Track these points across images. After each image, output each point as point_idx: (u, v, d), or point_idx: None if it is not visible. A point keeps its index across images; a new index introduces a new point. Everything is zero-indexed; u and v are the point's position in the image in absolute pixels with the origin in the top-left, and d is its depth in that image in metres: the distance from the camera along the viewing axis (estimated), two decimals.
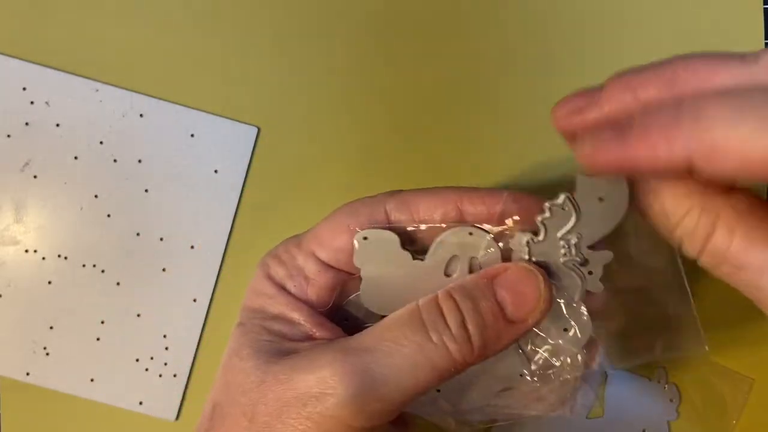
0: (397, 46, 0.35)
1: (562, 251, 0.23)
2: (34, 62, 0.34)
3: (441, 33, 0.35)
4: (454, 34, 0.35)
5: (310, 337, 0.23)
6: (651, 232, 0.22)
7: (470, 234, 0.23)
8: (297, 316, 0.24)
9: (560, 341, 0.24)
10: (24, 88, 0.34)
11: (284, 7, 0.35)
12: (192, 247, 0.34)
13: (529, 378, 0.24)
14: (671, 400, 0.33)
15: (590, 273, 0.23)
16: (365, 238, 0.23)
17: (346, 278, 0.25)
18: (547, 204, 0.22)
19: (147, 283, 0.34)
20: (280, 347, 0.23)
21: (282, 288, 0.24)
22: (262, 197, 0.34)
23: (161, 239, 0.34)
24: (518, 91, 0.34)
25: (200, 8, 0.34)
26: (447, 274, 0.24)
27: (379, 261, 0.24)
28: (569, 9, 0.35)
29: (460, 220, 0.24)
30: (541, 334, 0.24)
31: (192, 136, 0.34)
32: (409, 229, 0.24)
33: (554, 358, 0.24)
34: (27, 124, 0.34)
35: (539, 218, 0.22)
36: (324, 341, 0.23)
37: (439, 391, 0.25)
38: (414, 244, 0.24)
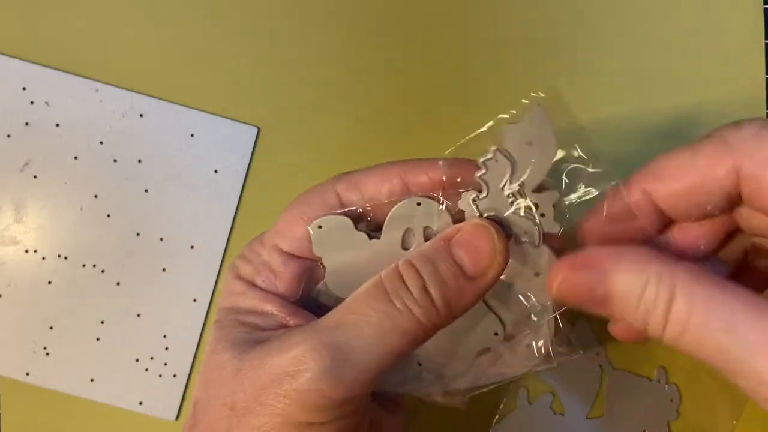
0: (398, 47, 0.35)
1: (509, 201, 0.23)
2: (34, 62, 0.34)
3: (441, 34, 0.35)
4: (455, 32, 0.35)
5: (284, 326, 0.24)
6: None
7: (418, 204, 0.24)
8: (269, 307, 0.24)
9: (530, 287, 0.24)
10: (24, 88, 0.34)
11: (284, 8, 0.35)
12: (192, 247, 0.34)
13: (503, 334, 0.25)
14: (671, 400, 0.33)
15: (542, 215, 0.23)
16: (320, 227, 0.24)
17: (311, 265, 0.25)
18: (480, 160, 0.23)
19: (147, 283, 0.34)
20: (255, 337, 0.23)
21: (252, 284, 0.25)
22: (262, 197, 0.34)
23: (161, 239, 0.34)
24: (522, 83, 0.34)
25: (200, 8, 0.34)
26: (405, 248, 0.24)
27: (337, 246, 0.24)
28: (570, 7, 0.35)
29: (407, 194, 0.24)
30: (513, 292, 0.24)
31: (192, 136, 0.34)
32: (359, 210, 0.24)
33: (526, 303, 0.25)
34: (27, 124, 0.34)
35: (477, 175, 0.23)
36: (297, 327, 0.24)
37: (420, 365, 0.25)
38: (369, 224, 0.25)
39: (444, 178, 0.24)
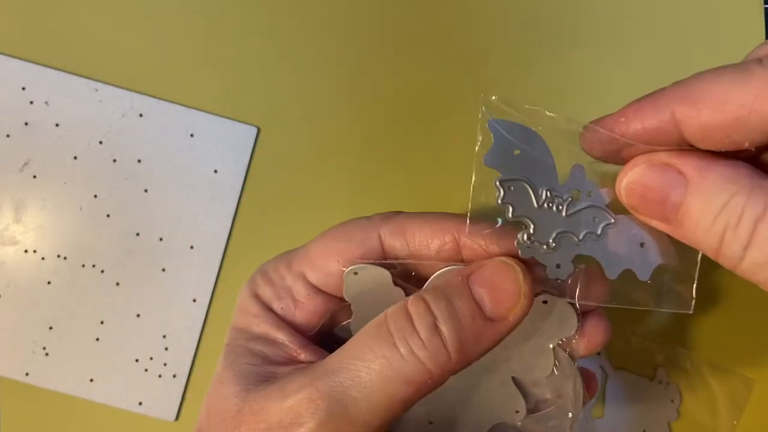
0: (398, 46, 0.35)
1: (553, 206, 0.21)
2: (33, 62, 0.34)
3: (441, 31, 0.35)
4: (454, 32, 0.35)
5: (293, 360, 0.23)
6: None
7: None
8: (281, 336, 0.23)
9: (555, 374, 0.23)
10: (23, 88, 0.34)
11: (284, 8, 0.35)
12: (192, 247, 0.34)
13: (524, 413, 0.23)
14: (671, 401, 0.33)
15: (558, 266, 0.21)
16: (355, 273, 0.22)
17: (336, 305, 0.24)
18: (499, 202, 0.20)
19: (146, 283, 0.34)
20: (261, 371, 0.22)
21: (268, 308, 0.23)
22: (262, 197, 0.34)
23: (161, 239, 0.34)
24: (522, 82, 0.34)
25: (200, 8, 0.34)
26: None
27: (370, 298, 0.22)
28: (569, 6, 0.35)
29: (458, 254, 0.22)
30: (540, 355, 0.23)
31: (192, 136, 0.34)
32: (401, 262, 0.22)
33: (550, 395, 0.23)
34: (26, 123, 0.34)
35: (508, 216, 0.20)
36: (306, 364, 0.22)
37: (431, 423, 0.24)
38: (407, 278, 0.23)
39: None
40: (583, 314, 0.23)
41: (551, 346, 0.22)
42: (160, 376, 0.34)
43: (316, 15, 0.35)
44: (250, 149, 0.34)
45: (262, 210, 0.34)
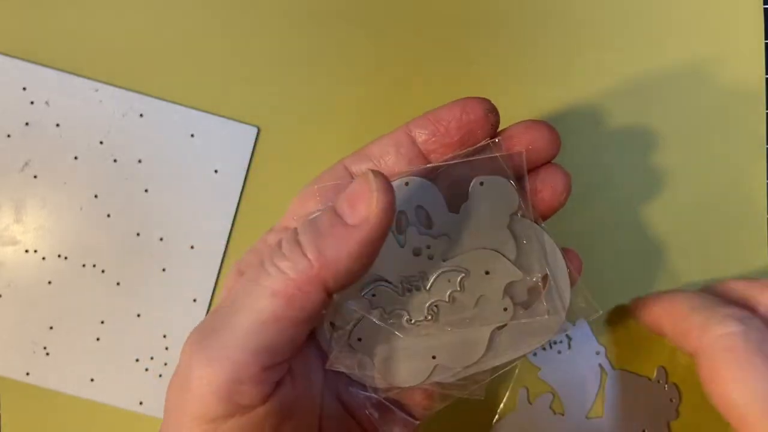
0: (398, 46, 0.35)
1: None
2: (34, 62, 0.34)
3: (444, 34, 0.35)
4: (457, 35, 0.35)
5: None
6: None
7: (406, 184, 0.24)
8: None
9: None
10: (24, 88, 0.34)
11: (284, 8, 0.35)
12: (192, 247, 0.34)
13: (512, 309, 0.24)
14: (671, 400, 0.33)
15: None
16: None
17: None
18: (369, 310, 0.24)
19: (147, 283, 0.34)
20: None
21: None
22: (262, 197, 0.34)
23: (161, 239, 0.34)
24: (517, 92, 0.34)
25: (201, 8, 0.34)
26: (399, 233, 0.24)
27: None
28: (568, 5, 0.35)
29: (419, 153, 0.24)
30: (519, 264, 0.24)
31: (192, 136, 0.34)
32: None
33: (537, 278, 0.24)
34: (27, 124, 0.34)
35: (383, 317, 0.24)
36: None
37: (434, 357, 0.24)
38: None
39: (449, 127, 0.23)
40: (533, 171, 0.25)
41: (504, 223, 0.24)
42: (160, 375, 0.34)
43: (317, 15, 0.35)
44: (251, 149, 0.34)
45: (262, 210, 0.34)
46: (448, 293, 0.24)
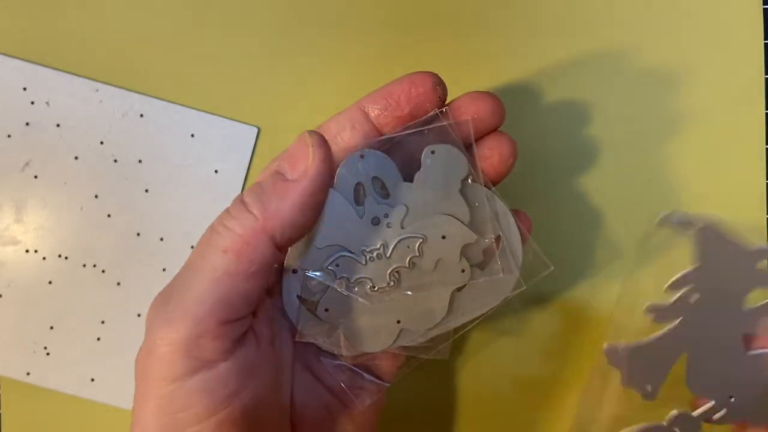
0: (400, 47, 0.35)
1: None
2: (34, 62, 0.34)
3: (445, 33, 0.34)
4: (458, 35, 0.35)
5: None
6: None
7: (362, 157, 0.24)
8: None
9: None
10: (24, 88, 0.34)
11: (284, 7, 0.35)
12: (192, 247, 0.34)
13: (469, 270, 0.25)
14: None
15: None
16: None
17: None
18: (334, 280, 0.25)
19: (147, 283, 0.34)
20: None
21: None
22: None
23: (161, 239, 0.34)
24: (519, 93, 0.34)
25: (201, 8, 0.34)
26: (359, 205, 0.25)
27: None
28: (569, 5, 0.35)
29: (372, 127, 0.25)
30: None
31: (192, 136, 0.34)
32: None
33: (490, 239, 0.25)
34: (27, 124, 0.34)
35: (345, 286, 0.25)
36: None
37: (399, 321, 0.25)
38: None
39: (400, 99, 0.24)
40: (481, 139, 0.26)
41: (456, 189, 0.25)
42: None
43: (317, 15, 0.35)
44: (251, 149, 0.34)
45: None
46: (408, 259, 0.25)
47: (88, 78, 0.34)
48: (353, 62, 0.34)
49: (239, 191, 0.34)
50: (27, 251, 0.34)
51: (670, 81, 0.34)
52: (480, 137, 0.26)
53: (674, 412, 0.27)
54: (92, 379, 0.34)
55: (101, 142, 0.34)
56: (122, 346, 0.34)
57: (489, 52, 0.34)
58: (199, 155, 0.34)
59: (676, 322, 0.27)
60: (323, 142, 0.23)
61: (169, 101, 0.34)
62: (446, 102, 0.26)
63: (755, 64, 0.34)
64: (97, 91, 0.34)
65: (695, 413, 0.27)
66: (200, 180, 0.34)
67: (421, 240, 0.25)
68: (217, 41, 0.34)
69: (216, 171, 0.34)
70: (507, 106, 0.26)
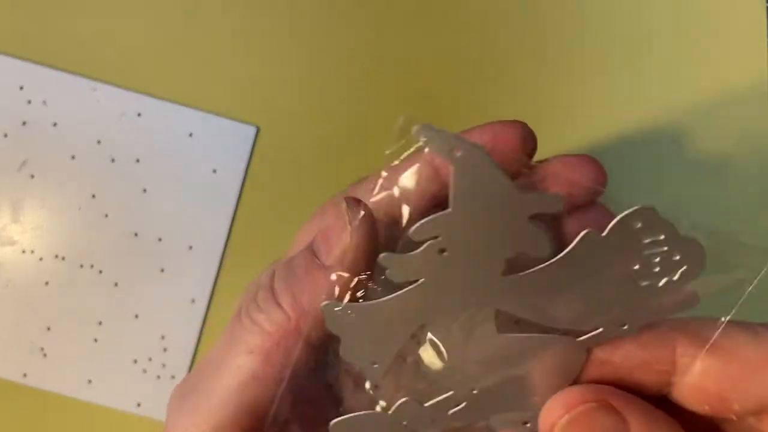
0: (400, 46, 0.34)
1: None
2: (31, 61, 0.34)
3: (445, 34, 0.34)
4: (460, 31, 0.34)
5: None
6: None
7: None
8: None
9: None
10: (21, 87, 0.33)
11: (284, 6, 0.34)
12: (190, 247, 0.34)
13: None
14: None
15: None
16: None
17: None
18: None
19: (145, 283, 0.34)
20: None
21: None
22: (262, 197, 0.34)
23: (159, 239, 0.34)
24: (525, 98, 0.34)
25: (199, 7, 0.34)
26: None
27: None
28: (568, 4, 0.34)
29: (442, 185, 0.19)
30: None
31: (190, 135, 0.34)
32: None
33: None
34: (24, 123, 0.33)
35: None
36: None
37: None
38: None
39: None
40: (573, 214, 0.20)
41: None
42: (158, 377, 0.33)
43: (317, 14, 0.34)
44: (250, 149, 0.34)
45: (261, 210, 0.34)
46: None
47: (86, 77, 0.34)
48: (354, 62, 0.34)
49: (238, 191, 0.34)
50: (24, 252, 0.34)
51: (669, 80, 0.34)
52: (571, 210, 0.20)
53: (403, 399, 0.19)
54: (90, 381, 0.33)
55: (99, 142, 0.34)
56: (120, 347, 0.33)
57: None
58: (197, 155, 0.34)
59: (416, 283, 0.17)
60: (366, 219, 0.18)
61: (167, 100, 0.34)
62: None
63: (757, 64, 0.34)
64: (95, 90, 0.34)
65: (427, 404, 0.20)
66: (198, 180, 0.34)
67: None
68: (216, 40, 0.34)
69: (214, 171, 0.34)
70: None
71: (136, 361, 0.33)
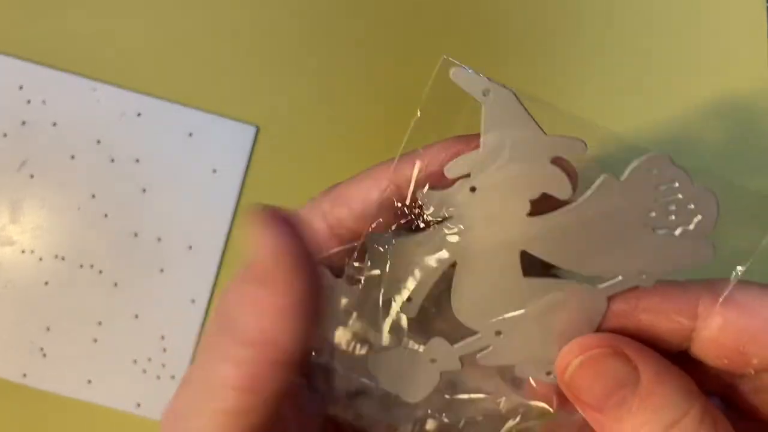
0: (399, 46, 0.34)
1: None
2: (30, 61, 0.34)
3: (445, 33, 0.34)
4: (459, 34, 0.34)
5: None
6: None
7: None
8: None
9: None
10: (20, 87, 0.33)
11: (283, 6, 0.34)
12: (190, 247, 0.34)
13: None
14: None
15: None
16: None
17: None
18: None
19: (145, 283, 0.33)
20: None
21: None
22: (261, 197, 0.34)
23: (159, 239, 0.34)
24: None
25: (199, 7, 0.34)
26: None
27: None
28: (569, 3, 0.34)
29: (401, 197, 0.19)
30: None
31: (190, 135, 0.34)
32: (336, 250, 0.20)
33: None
34: (23, 123, 0.33)
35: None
36: None
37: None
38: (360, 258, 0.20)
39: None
40: None
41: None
42: (158, 377, 0.33)
43: (316, 14, 0.34)
44: (249, 148, 0.34)
45: None
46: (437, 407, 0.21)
47: (85, 77, 0.34)
48: (353, 61, 0.34)
49: (238, 191, 0.34)
50: (23, 252, 0.33)
51: (669, 79, 0.34)
52: None
53: (434, 339, 0.20)
54: (89, 381, 0.33)
55: (98, 142, 0.34)
56: (119, 347, 0.33)
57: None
58: (197, 155, 0.34)
59: (449, 219, 0.18)
60: (275, 219, 0.17)
61: (167, 100, 0.34)
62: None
63: (757, 64, 0.34)
64: (94, 90, 0.34)
65: (456, 346, 0.20)
66: (198, 180, 0.34)
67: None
68: (215, 40, 0.34)
69: (214, 170, 0.34)
70: None
71: (135, 361, 0.33)
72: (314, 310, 0.17)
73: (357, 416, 0.22)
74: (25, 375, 0.33)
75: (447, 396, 0.21)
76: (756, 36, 0.34)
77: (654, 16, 0.34)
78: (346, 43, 0.34)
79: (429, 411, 0.21)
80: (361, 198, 0.20)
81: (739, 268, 0.18)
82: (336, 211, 0.20)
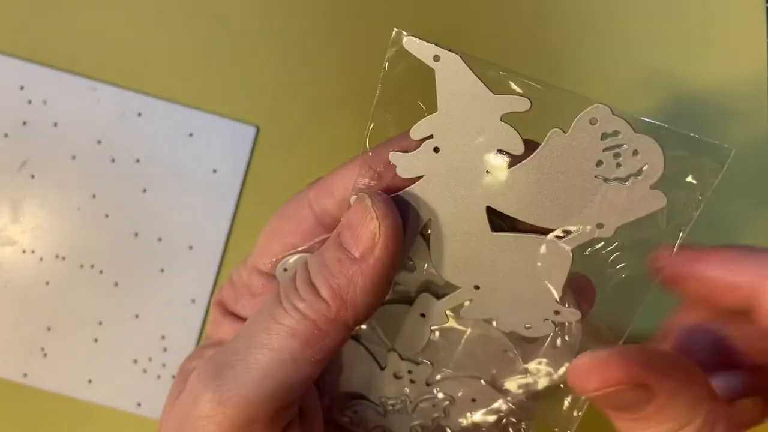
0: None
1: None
2: (31, 61, 0.34)
3: (444, 33, 0.34)
4: (460, 34, 0.34)
5: None
6: None
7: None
8: None
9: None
10: (21, 87, 0.33)
11: (283, 6, 0.34)
12: (190, 247, 0.34)
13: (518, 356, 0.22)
14: None
15: None
16: (285, 269, 0.22)
17: None
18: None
19: (145, 283, 0.33)
20: None
21: (226, 312, 0.24)
22: (261, 197, 0.34)
23: (159, 239, 0.34)
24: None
25: (199, 7, 0.34)
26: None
27: None
28: (569, 3, 0.34)
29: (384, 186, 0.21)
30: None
31: (190, 135, 0.34)
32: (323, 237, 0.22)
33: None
34: (24, 123, 0.33)
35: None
36: None
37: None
38: None
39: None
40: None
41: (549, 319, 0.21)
42: (158, 377, 0.33)
43: (316, 14, 0.34)
44: (250, 149, 0.34)
45: (261, 210, 0.34)
46: (432, 417, 0.23)
47: (86, 77, 0.34)
48: (353, 61, 0.34)
49: (238, 191, 0.34)
50: (24, 252, 0.34)
51: (670, 78, 0.34)
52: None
53: (422, 295, 0.21)
54: (90, 381, 0.33)
55: (99, 142, 0.34)
56: (120, 347, 0.33)
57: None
58: (197, 155, 0.34)
59: (420, 180, 0.19)
60: (389, 211, 0.19)
61: (167, 100, 0.34)
62: None
63: (757, 64, 0.34)
64: (95, 90, 0.34)
65: (440, 301, 0.21)
66: (199, 179, 0.34)
67: (448, 402, 0.22)
68: (216, 40, 0.34)
69: (214, 170, 0.34)
70: None
71: (136, 361, 0.33)
72: (387, 293, 0.20)
73: (355, 421, 0.23)
74: (25, 375, 0.33)
75: (436, 415, 0.23)
76: (756, 36, 0.34)
77: (653, 16, 0.34)
78: (346, 43, 0.34)
79: (422, 421, 0.23)
80: (342, 186, 0.22)
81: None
82: (321, 201, 0.22)
